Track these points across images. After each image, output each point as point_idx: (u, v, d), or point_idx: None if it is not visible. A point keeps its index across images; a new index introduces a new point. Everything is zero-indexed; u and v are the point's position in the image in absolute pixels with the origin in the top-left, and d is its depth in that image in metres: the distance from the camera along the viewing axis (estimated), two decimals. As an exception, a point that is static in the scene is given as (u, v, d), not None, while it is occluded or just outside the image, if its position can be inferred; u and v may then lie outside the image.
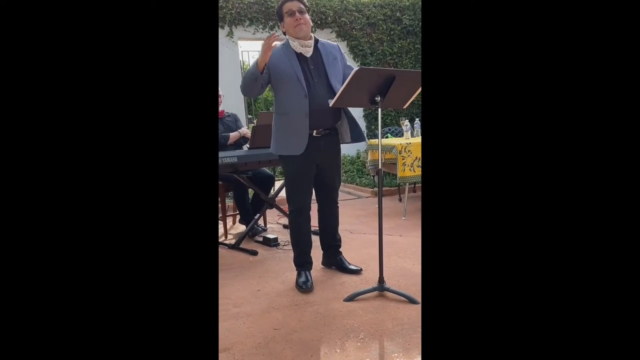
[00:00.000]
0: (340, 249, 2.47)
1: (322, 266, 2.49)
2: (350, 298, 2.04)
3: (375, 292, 2.07)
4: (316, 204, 2.38)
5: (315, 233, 2.41)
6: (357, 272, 2.39)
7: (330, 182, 2.32)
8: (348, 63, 2.28)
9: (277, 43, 1.98)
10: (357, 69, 1.86)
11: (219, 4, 5.35)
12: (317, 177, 2.27)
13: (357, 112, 6.34)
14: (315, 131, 2.13)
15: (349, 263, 2.44)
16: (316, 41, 2.17)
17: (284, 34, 2.17)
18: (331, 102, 2.01)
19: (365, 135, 2.31)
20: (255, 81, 2.03)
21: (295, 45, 2.11)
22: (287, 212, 2.36)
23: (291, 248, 2.35)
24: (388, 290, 2.05)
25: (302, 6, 2.09)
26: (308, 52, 2.13)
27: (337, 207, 2.43)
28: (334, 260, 2.46)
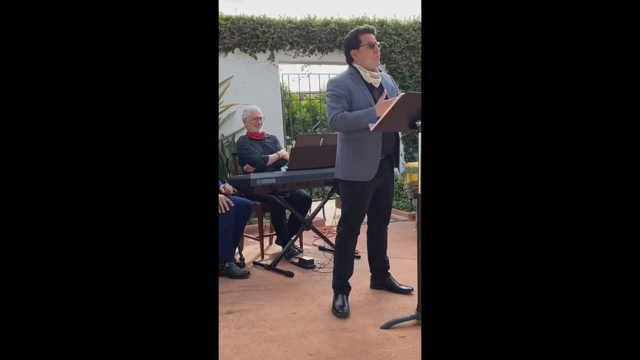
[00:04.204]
0: (389, 270, 2.52)
1: (371, 289, 2.51)
2: (388, 325, 1.99)
3: (414, 320, 2.01)
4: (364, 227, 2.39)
5: (356, 257, 2.41)
6: (408, 291, 2.44)
7: (386, 203, 2.42)
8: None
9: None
10: (403, 94, 1.86)
11: (262, 29, 5.52)
12: (373, 199, 2.31)
13: (394, 135, 6.31)
14: (383, 156, 2.23)
15: (399, 283, 2.48)
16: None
17: (351, 60, 2.24)
18: (372, 127, 2.01)
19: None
20: (356, 127, 2.11)
21: (367, 76, 2.22)
22: (331, 233, 2.38)
23: (327, 271, 2.33)
24: (427, 319, 1.99)
25: None
26: (377, 82, 2.25)
27: (387, 228, 2.49)
28: (384, 282, 2.50)
